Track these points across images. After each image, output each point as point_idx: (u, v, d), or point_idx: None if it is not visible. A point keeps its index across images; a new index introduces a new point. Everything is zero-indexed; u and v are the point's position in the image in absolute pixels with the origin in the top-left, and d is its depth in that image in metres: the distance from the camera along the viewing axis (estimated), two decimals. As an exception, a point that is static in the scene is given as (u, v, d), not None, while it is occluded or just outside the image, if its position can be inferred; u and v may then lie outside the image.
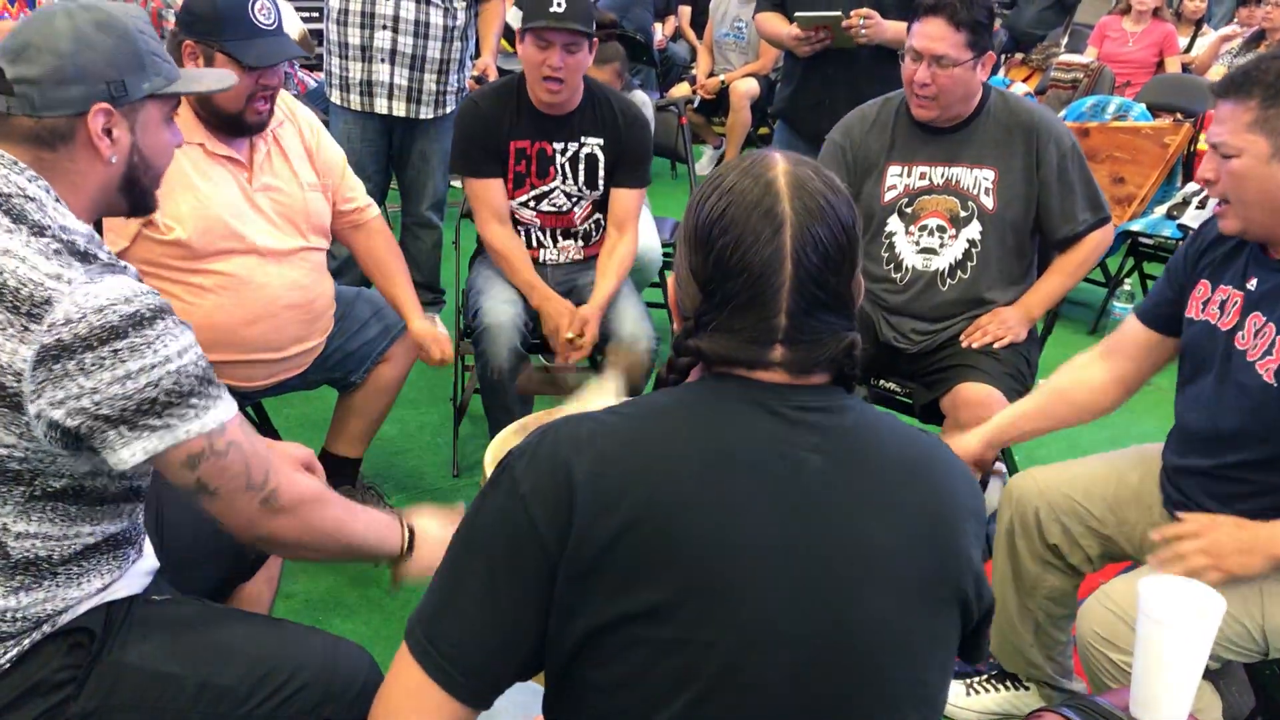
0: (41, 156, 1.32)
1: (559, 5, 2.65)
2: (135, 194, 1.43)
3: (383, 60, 3.48)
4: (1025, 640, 2.11)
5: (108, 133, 1.35)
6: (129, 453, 1.25)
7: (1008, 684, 2.20)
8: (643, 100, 4.05)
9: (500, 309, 2.72)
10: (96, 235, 1.33)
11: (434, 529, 1.56)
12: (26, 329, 1.20)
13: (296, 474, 1.43)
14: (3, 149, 1.31)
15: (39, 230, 1.25)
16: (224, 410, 1.31)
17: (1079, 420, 2.10)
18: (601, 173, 2.90)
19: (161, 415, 1.25)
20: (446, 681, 1.03)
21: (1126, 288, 4.43)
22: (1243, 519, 1.71)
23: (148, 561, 1.50)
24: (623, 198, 2.91)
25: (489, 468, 1.92)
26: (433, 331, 2.55)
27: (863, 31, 3.21)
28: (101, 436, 1.24)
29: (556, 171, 2.86)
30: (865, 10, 3.23)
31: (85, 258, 1.26)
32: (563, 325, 2.74)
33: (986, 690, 2.21)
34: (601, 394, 2.04)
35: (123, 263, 1.32)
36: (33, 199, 1.28)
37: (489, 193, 2.84)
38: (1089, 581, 2.04)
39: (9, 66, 1.31)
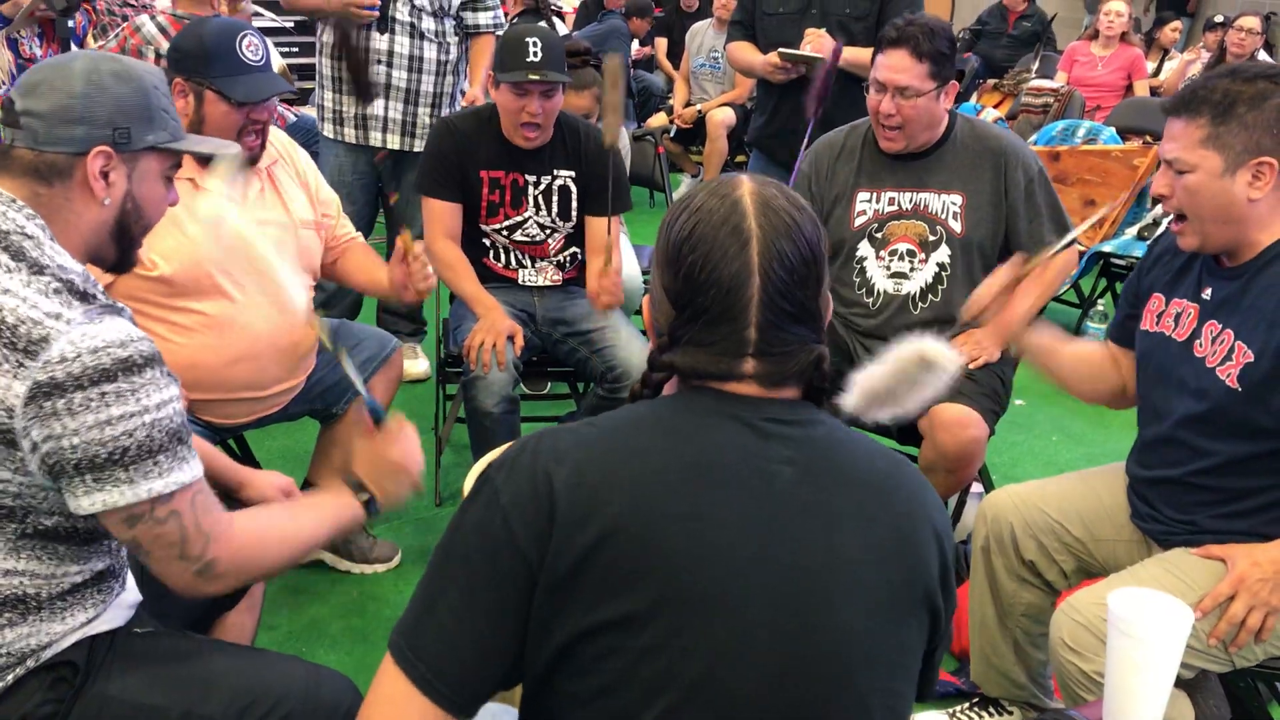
0: (38, 192, 1.34)
1: (535, 55, 2.69)
2: (123, 243, 1.45)
3: (377, 95, 3.52)
4: (1007, 659, 2.13)
5: (105, 175, 1.38)
6: (89, 501, 1.27)
7: (990, 710, 2.22)
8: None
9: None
10: (91, 276, 1.35)
11: (365, 459, 1.58)
12: (22, 365, 1.22)
13: (239, 526, 1.39)
14: (2, 184, 1.33)
15: (38, 269, 1.28)
16: (186, 473, 1.31)
17: (1076, 387, 2.11)
18: (574, 204, 2.93)
19: (128, 468, 1.26)
20: (429, 689, 1.04)
21: (1100, 308, 4.49)
22: (1251, 548, 1.74)
23: (130, 594, 1.51)
24: (597, 225, 2.94)
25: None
26: (401, 265, 2.39)
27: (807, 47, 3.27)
28: (68, 480, 1.26)
29: (529, 203, 2.90)
30: (815, 30, 3.28)
31: (84, 297, 1.28)
32: (487, 341, 2.64)
33: (969, 718, 2.22)
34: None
35: (119, 304, 1.34)
36: (31, 237, 1.30)
37: (445, 214, 2.86)
38: (1063, 598, 2.06)
39: (20, 99, 1.35)
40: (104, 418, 1.23)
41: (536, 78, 2.68)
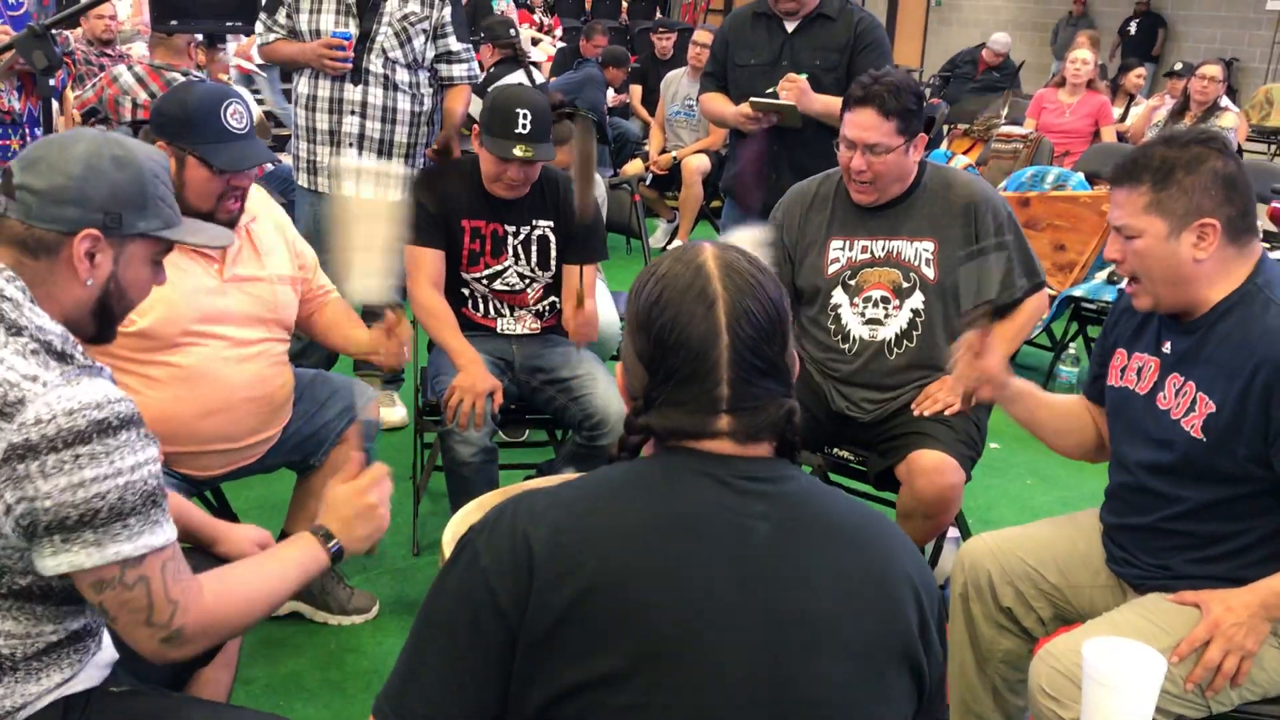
0: (24, 262, 1.35)
1: (524, 128, 2.73)
2: (103, 321, 1.45)
3: (350, 145, 3.54)
4: (986, 705, 2.13)
5: (90, 257, 1.38)
6: (55, 562, 1.26)
7: None
8: (595, 179, 4.13)
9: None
10: (70, 336, 1.35)
11: (345, 504, 1.58)
12: None
13: (207, 591, 1.38)
14: None
15: (16, 330, 1.28)
16: (158, 537, 1.31)
17: (1055, 439, 2.13)
18: (553, 253, 2.96)
19: (97, 530, 1.26)
20: None
21: (1071, 351, 4.54)
22: (1226, 594, 1.76)
23: (107, 654, 1.50)
24: (573, 275, 2.94)
25: (447, 546, 1.93)
26: (378, 331, 2.48)
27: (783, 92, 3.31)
28: (36, 540, 1.25)
29: (509, 253, 2.92)
30: (792, 76, 3.34)
31: (62, 358, 1.29)
32: (466, 400, 2.65)
33: None
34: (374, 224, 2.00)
35: (99, 364, 1.34)
36: (9, 299, 1.31)
37: (428, 260, 2.87)
38: (1041, 644, 2.07)
39: (18, 173, 1.37)
40: (76, 480, 1.23)
41: (521, 154, 2.72)
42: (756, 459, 1.13)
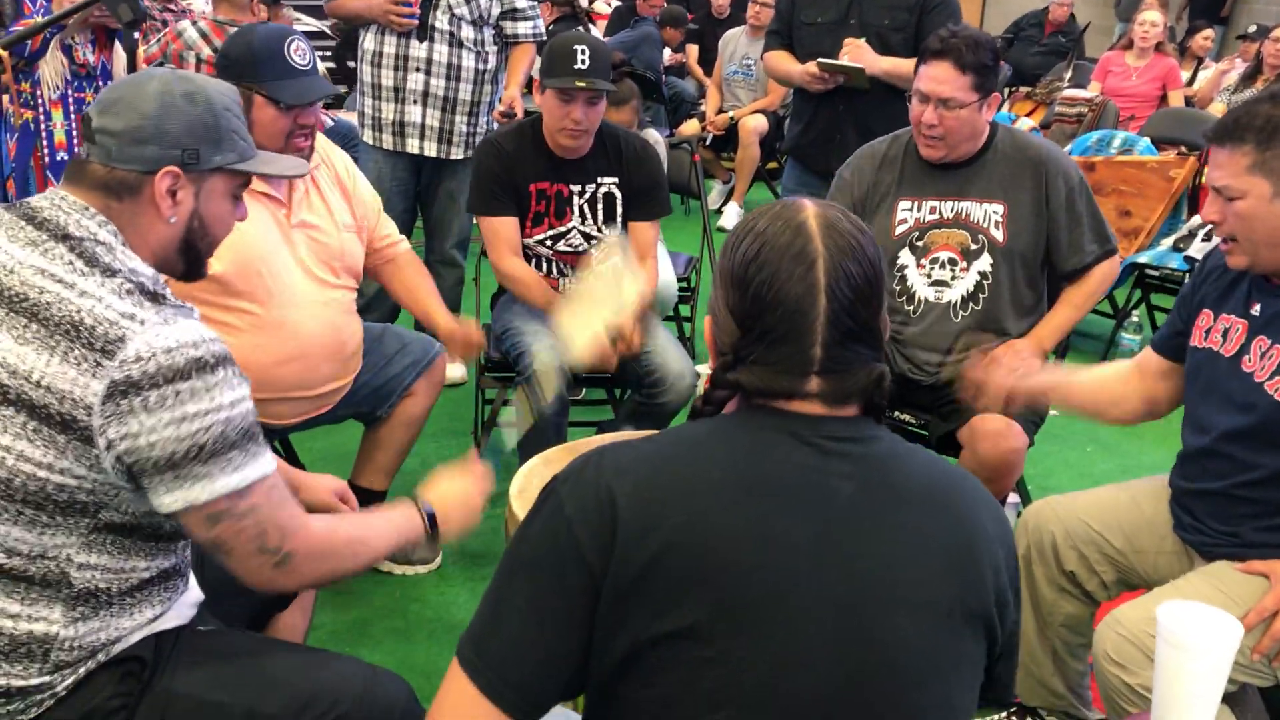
0: (110, 205, 1.39)
1: (583, 63, 2.73)
2: (190, 257, 1.49)
3: (415, 102, 3.56)
4: (1046, 669, 2.14)
5: (172, 194, 1.41)
6: (170, 499, 1.31)
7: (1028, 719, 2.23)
8: (655, 138, 4.12)
9: (546, 355, 2.71)
10: (161, 278, 1.39)
11: (452, 492, 1.67)
12: (99, 364, 1.25)
13: (318, 522, 1.45)
14: (77, 194, 1.38)
15: (110, 272, 1.32)
16: (261, 467, 1.36)
17: (1106, 412, 2.15)
18: (619, 210, 2.97)
19: (206, 463, 1.30)
20: (495, 695, 1.07)
21: (1134, 319, 4.48)
22: None
23: (194, 594, 1.55)
24: (639, 231, 2.98)
25: (514, 499, 1.96)
26: (459, 327, 2.61)
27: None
28: (149, 479, 1.30)
29: (574, 213, 2.93)
30: (851, 40, 3.32)
31: (156, 299, 1.33)
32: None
33: None
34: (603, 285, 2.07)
35: (189, 305, 1.38)
36: (103, 243, 1.35)
37: (506, 229, 2.91)
38: (1104, 609, 2.07)
39: (96, 116, 1.39)
40: (179, 415, 1.27)
41: (583, 85, 2.72)
42: (842, 419, 1.13)
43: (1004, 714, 2.25)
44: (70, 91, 3.60)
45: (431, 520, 1.61)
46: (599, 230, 2.98)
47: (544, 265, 3.02)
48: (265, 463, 1.37)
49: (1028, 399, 2.14)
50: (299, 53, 2.24)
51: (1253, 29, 7.55)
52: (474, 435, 3.26)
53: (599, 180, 2.93)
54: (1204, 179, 4.60)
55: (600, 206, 2.95)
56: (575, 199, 2.93)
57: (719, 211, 6.55)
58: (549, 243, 2.96)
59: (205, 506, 1.31)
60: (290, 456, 2.81)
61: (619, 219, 2.98)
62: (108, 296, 1.29)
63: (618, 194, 2.96)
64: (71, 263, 1.31)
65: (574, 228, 2.96)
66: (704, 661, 1.03)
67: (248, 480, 1.34)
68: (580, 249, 2.98)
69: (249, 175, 1.52)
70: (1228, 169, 1.74)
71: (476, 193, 2.94)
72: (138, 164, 1.39)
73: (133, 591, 1.40)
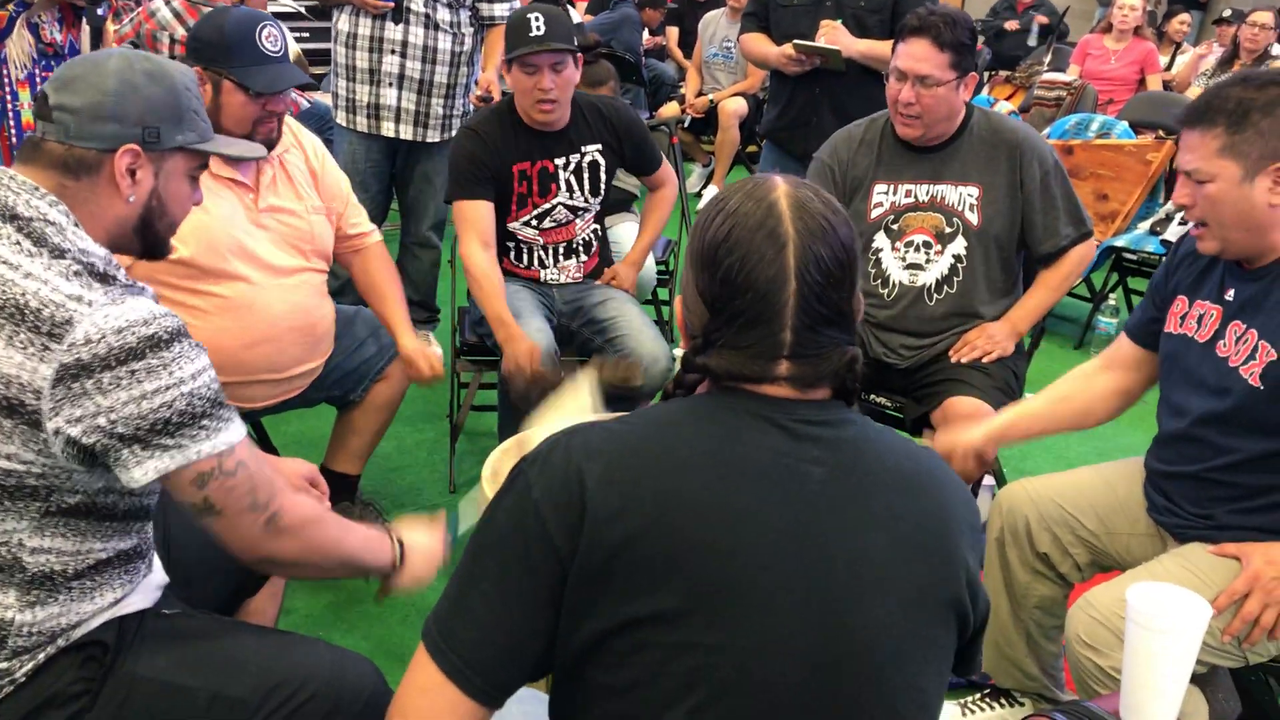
0: (65, 184, 1.36)
1: (538, 29, 2.71)
2: (148, 237, 1.47)
3: (390, 84, 3.53)
4: (1019, 650, 2.14)
5: (131, 173, 1.40)
6: (141, 471, 1.29)
7: (1002, 701, 2.23)
8: (634, 120, 4.10)
9: (535, 336, 2.69)
10: (113, 258, 1.36)
11: (421, 540, 1.63)
12: (47, 348, 1.23)
13: (298, 495, 1.47)
14: (29, 174, 1.35)
15: (59, 253, 1.29)
16: (233, 432, 1.35)
17: (1079, 426, 2.15)
18: (603, 177, 2.96)
19: (174, 435, 1.29)
20: (460, 679, 1.06)
21: (1111, 302, 4.49)
22: (1267, 547, 1.76)
23: (158, 576, 1.53)
24: (652, 180, 3.12)
25: (486, 482, 1.95)
26: (423, 349, 2.58)
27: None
28: (116, 455, 1.28)
29: (559, 187, 2.91)
30: (827, 21, 3.31)
31: (105, 279, 1.30)
32: (524, 365, 2.64)
33: (981, 709, 2.24)
34: (576, 400, 2.06)
35: (141, 284, 1.35)
36: (53, 223, 1.32)
37: (477, 213, 2.84)
38: (1077, 591, 2.08)
39: (54, 94, 1.37)
40: (138, 393, 1.25)
41: (540, 48, 2.70)
42: (813, 402, 1.11)
43: (977, 695, 2.26)
44: (38, 70, 3.55)
45: (400, 553, 1.59)
46: (585, 201, 2.95)
47: (524, 255, 2.99)
48: (236, 428, 1.37)
49: (996, 445, 2.14)
50: (271, 39, 2.21)
51: (1228, 13, 7.58)
52: (450, 418, 3.24)
53: (582, 150, 2.91)
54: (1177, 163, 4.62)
55: (586, 176, 2.93)
56: (561, 172, 2.90)
57: (698, 195, 6.53)
58: (534, 222, 2.94)
59: (191, 467, 1.30)
60: (263, 440, 2.80)
61: (603, 186, 2.98)
62: (54, 279, 1.27)
63: (601, 161, 2.94)
64: (19, 243, 1.29)
65: (559, 203, 2.93)
66: (675, 645, 1.02)
67: (228, 441, 1.33)
68: (564, 222, 2.96)
69: (207, 156, 1.51)
70: (1198, 152, 1.74)
71: (454, 178, 2.88)
72: (97, 142, 1.37)
73: (90, 574, 1.38)
